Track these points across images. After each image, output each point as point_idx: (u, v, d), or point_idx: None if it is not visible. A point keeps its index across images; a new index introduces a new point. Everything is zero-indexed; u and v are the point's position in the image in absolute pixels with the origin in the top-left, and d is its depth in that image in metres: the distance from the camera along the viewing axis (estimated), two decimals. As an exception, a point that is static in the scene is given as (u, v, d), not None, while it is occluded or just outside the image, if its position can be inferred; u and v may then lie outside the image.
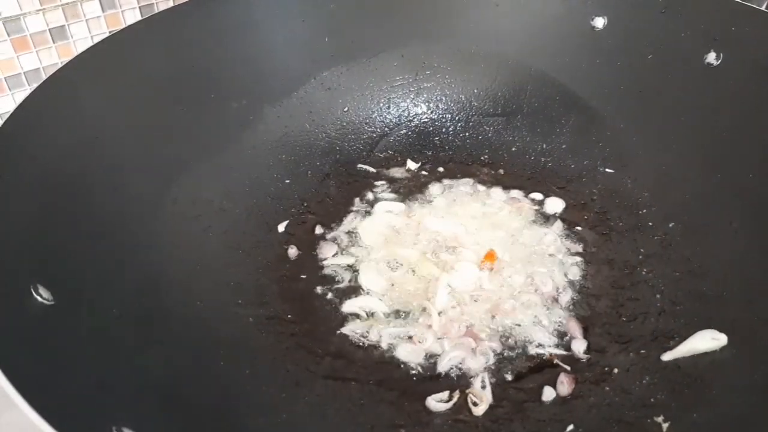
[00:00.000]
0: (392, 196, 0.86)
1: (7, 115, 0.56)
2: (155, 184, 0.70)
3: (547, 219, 0.81)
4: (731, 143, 0.72)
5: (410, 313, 0.69)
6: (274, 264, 0.75)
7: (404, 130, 0.94)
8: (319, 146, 0.90)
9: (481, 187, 0.86)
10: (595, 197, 0.84)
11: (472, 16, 0.90)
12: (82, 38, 0.87)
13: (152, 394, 0.52)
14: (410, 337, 0.66)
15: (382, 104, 0.94)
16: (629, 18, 0.82)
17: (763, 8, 0.80)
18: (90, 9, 0.86)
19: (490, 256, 0.74)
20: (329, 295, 0.72)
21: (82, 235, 0.58)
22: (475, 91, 0.94)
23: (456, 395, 0.61)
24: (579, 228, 0.79)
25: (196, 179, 0.75)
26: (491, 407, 0.60)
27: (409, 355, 0.65)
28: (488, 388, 0.61)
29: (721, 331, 0.61)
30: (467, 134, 0.94)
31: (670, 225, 0.76)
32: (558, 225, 0.80)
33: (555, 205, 0.83)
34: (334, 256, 0.76)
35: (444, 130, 0.94)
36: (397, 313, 0.69)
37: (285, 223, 0.80)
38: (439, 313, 0.68)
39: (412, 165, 0.91)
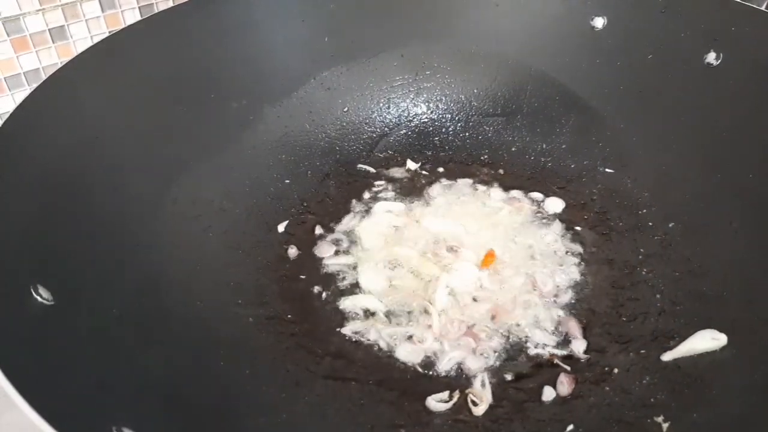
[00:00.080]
0: (392, 196, 0.85)
1: (7, 115, 0.56)
2: (155, 184, 0.70)
3: (546, 219, 0.81)
4: (731, 143, 0.72)
5: (410, 313, 0.69)
6: (274, 264, 0.75)
7: (404, 130, 0.94)
8: (319, 146, 0.90)
9: (481, 187, 0.86)
10: (595, 197, 0.84)
11: (472, 16, 0.90)
12: (82, 38, 0.87)
13: (152, 394, 0.52)
14: (410, 337, 0.66)
15: (382, 104, 0.94)
16: (629, 18, 0.82)
17: (763, 8, 0.80)
18: (89, 9, 0.86)
19: (490, 256, 0.74)
20: (329, 295, 0.72)
21: (82, 235, 0.58)
22: (475, 91, 0.93)
23: (456, 395, 0.61)
24: (579, 228, 0.79)
25: (196, 179, 0.75)
26: (491, 407, 0.60)
27: (409, 355, 0.65)
28: (488, 388, 0.61)
29: (721, 331, 0.61)
30: (467, 134, 0.94)
31: (670, 225, 0.76)
32: (558, 225, 0.80)
33: (555, 205, 0.83)
34: (334, 256, 0.77)
35: (444, 130, 0.94)
36: (397, 313, 0.69)
37: (285, 223, 0.80)
38: (439, 313, 0.68)
39: (412, 165, 0.90)
